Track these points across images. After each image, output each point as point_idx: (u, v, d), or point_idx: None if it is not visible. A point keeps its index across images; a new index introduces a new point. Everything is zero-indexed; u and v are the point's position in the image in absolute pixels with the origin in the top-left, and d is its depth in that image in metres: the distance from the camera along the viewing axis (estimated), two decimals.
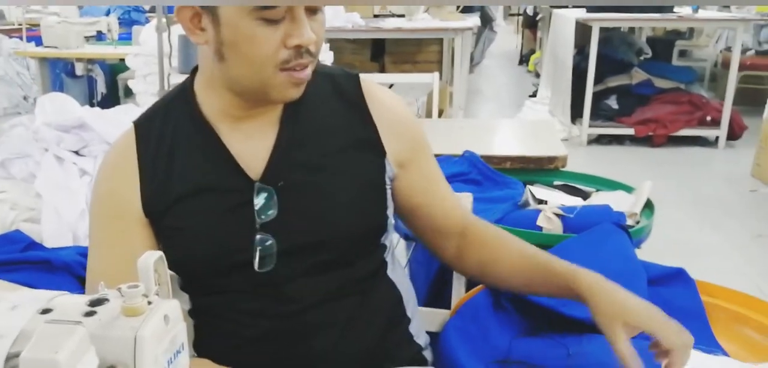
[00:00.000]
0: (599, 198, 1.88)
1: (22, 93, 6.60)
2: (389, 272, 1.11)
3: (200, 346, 1.07)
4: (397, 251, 1.25)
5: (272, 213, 0.97)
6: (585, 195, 1.93)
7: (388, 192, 1.07)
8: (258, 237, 0.96)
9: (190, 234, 0.97)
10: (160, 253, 0.55)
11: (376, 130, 1.04)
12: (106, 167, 1.01)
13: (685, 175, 4.71)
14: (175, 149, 0.99)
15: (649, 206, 1.81)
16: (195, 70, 1.02)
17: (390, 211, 1.09)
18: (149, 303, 0.52)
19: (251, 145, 0.99)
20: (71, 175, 2.02)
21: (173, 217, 0.97)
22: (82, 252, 1.53)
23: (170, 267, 0.98)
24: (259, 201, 0.96)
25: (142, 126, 1.02)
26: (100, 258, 0.99)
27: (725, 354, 1.17)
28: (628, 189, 1.93)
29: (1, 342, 0.50)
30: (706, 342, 1.17)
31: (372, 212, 1.04)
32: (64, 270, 1.42)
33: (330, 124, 1.02)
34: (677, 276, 1.30)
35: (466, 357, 1.07)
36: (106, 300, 0.53)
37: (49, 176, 2.01)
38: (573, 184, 2.02)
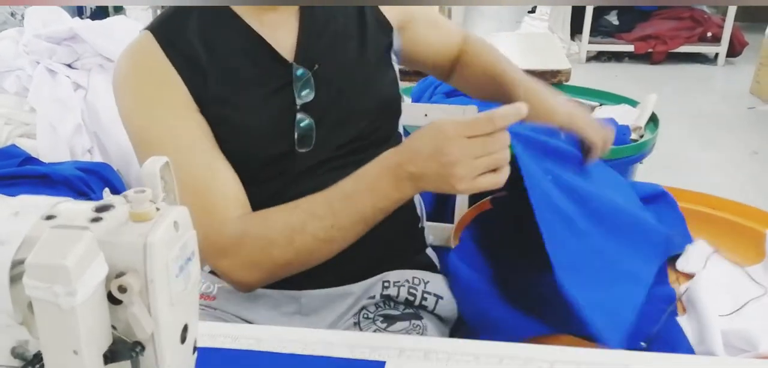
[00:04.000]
0: (603, 112, 1.86)
1: (10, 9, 6.46)
2: None
3: None
4: None
5: (309, 93, 1.00)
6: (590, 110, 1.91)
7: (396, 66, 1.14)
8: (298, 116, 0.99)
9: (235, 123, 0.97)
10: (167, 159, 0.53)
11: (379, 10, 1.11)
12: (138, 71, 0.96)
13: (684, 92, 4.67)
14: (206, 46, 0.97)
15: (653, 120, 1.79)
16: None
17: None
18: (157, 209, 0.50)
19: (279, 33, 1.01)
20: (65, 88, 1.97)
21: (217, 109, 0.96)
22: (81, 167, 1.51)
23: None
24: (297, 82, 0.99)
25: (159, 31, 0.97)
26: (186, 162, 0.95)
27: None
28: (633, 103, 1.91)
29: (4, 249, 0.48)
30: None
31: (390, 87, 1.10)
32: (63, 184, 1.40)
33: (341, 11, 1.07)
34: (662, 197, 1.30)
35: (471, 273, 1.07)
36: (112, 206, 0.50)
37: (42, 89, 1.96)
38: (577, 99, 1.99)
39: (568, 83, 2.04)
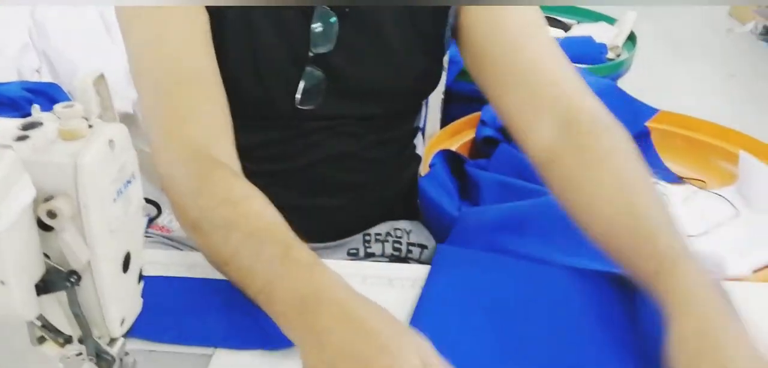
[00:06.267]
0: (581, 29, 1.82)
1: None
2: (417, 141, 1.05)
3: None
4: None
5: (328, 46, 0.83)
6: (566, 28, 1.86)
7: (447, 43, 0.89)
8: (308, 68, 0.84)
9: (236, 48, 0.83)
10: (101, 71, 0.48)
11: None
12: None
13: (662, 13, 4.63)
14: None
15: (631, 38, 1.75)
16: None
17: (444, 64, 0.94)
18: (90, 126, 0.46)
19: None
20: (9, 4, 1.87)
21: (223, 24, 0.81)
22: (28, 88, 1.44)
23: None
24: (316, 26, 0.82)
25: None
26: (162, 46, 0.79)
27: (676, 177, 1.22)
28: (611, 20, 1.87)
29: None
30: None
31: (428, 68, 0.90)
32: (8, 106, 1.34)
33: None
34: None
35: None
36: (40, 123, 0.46)
37: None
38: (554, 17, 1.94)
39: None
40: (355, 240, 1.01)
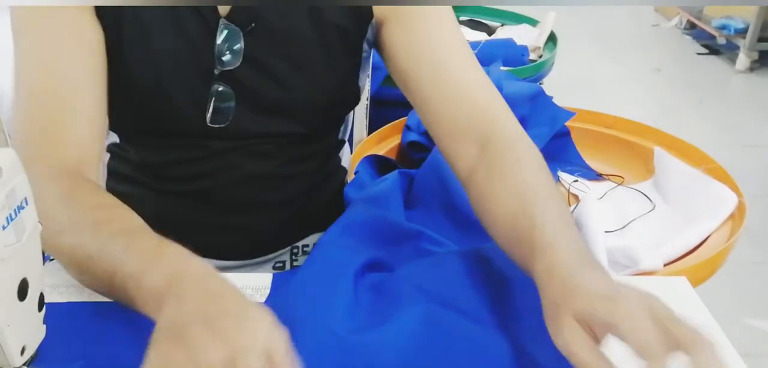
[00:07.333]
0: (504, 32, 1.85)
1: None
2: (342, 153, 1.04)
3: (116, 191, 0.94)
4: None
5: (234, 60, 0.81)
6: (490, 31, 1.90)
7: (365, 58, 0.90)
8: (215, 85, 0.82)
9: (138, 65, 0.81)
10: None
11: None
12: None
13: (588, 10, 4.75)
14: None
15: (552, 39, 1.79)
16: None
17: (362, 82, 0.94)
18: None
19: None
20: None
21: (122, 40, 0.80)
22: None
23: (110, 102, 0.82)
24: (220, 40, 0.81)
25: None
26: (44, 60, 0.77)
27: (595, 174, 1.25)
28: (533, 22, 1.91)
29: None
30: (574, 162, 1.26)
31: (344, 83, 0.89)
32: None
33: None
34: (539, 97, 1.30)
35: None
36: None
37: None
38: (478, 19, 1.97)
39: (469, 4, 2.02)
40: (283, 254, 1.00)
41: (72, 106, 0.77)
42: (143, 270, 0.62)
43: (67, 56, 0.77)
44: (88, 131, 0.78)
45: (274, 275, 0.78)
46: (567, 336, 0.56)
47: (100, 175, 0.79)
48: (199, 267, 0.62)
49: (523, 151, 0.78)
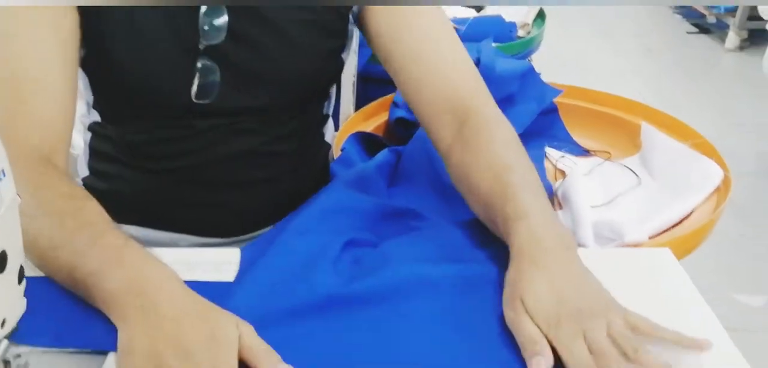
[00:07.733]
0: (492, 8, 1.85)
1: None
2: (326, 129, 1.04)
3: (98, 171, 0.96)
4: None
5: (220, 36, 0.82)
6: (478, 8, 1.89)
7: (350, 32, 0.92)
8: (201, 61, 0.82)
9: (121, 43, 0.81)
10: None
11: None
12: None
13: None
14: None
15: (541, 15, 1.79)
16: None
17: (346, 54, 0.94)
18: None
19: None
20: None
21: (102, 20, 0.80)
22: None
23: (92, 82, 0.86)
24: (204, 17, 0.81)
25: None
26: (18, 52, 0.77)
27: (583, 150, 1.24)
28: None
29: None
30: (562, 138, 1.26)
31: (328, 56, 0.90)
32: None
33: None
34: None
35: None
36: None
37: None
38: None
39: None
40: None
41: (41, 93, 0.78)
42: (104, 271, 0.63)
43: (35, 40, 0.77)
44: (56, 112, 0.78)
45: (241, 249, 0.78)
46: (512, 315, 0.63)
47: (70, 158, 0.80)
48: (161, 271, 0.64)
49: (496, 127, 0.83)
